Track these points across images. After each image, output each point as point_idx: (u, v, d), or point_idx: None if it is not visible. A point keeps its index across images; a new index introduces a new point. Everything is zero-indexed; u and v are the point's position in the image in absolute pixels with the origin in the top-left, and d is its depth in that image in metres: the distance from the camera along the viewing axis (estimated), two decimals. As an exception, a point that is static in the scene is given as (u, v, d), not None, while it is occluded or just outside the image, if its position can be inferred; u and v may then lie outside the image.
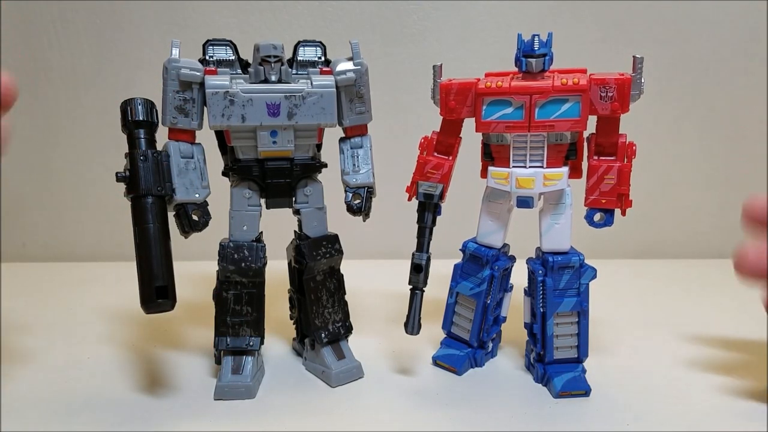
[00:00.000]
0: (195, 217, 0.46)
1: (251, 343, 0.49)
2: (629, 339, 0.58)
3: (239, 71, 0.47)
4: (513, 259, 0.53)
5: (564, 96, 0.44)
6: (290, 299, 0.54)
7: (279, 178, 0.48)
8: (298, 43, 0.48)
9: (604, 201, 0.46)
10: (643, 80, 0.44)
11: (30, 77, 0.82)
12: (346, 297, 0.53)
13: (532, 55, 0.45)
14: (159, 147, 0.46)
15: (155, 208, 0.43)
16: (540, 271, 0.48)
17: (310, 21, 0.81)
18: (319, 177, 0.50)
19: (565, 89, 0.44)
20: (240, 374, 0.48)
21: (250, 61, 0.47)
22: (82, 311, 0.66)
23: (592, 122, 0.46)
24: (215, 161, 0.50)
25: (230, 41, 0.47)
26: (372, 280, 0.70)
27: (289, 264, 0.53)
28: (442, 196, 0.49)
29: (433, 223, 0.49)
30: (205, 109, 0.45)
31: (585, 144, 0.48)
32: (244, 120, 0.45)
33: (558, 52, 0.46)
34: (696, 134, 0.85)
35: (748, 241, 0.33)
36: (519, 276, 0.53)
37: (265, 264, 0.49)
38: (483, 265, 0.50)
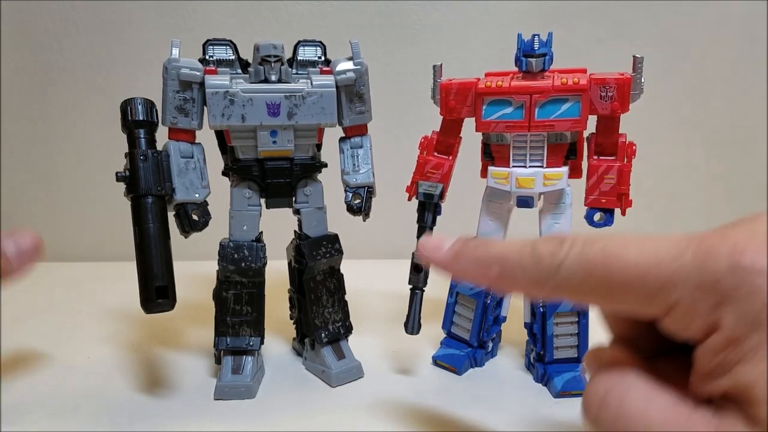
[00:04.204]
0: (195, 217, 0.46)
1: (251, 343, 0.49)
2: (629, 339, 0.58)
3: (239, 71, 0.47)
4: (513, 259, 0.53)
5: (564, 96, 0.44)
6: (290, 299, 0.54)
7: (279, 178, 0.48)
8: (298, 42, 0.48)
9: (604, 201, 0.46)
10: (643, 80, 0.44)
11: (30, 77, 0.82)
12: (346, 297, 0.53)
13: (532, 55, 0.45)
14: (159, 147, 0.46)
15: (155, 208, 0.43)
16: (540, 271, 0.48)
17: (310, 21, 0.81)
18: (319, 177, 0.50)
19: (565, 89, 0.44)
20: (240, 374, 0.48)
21: (250, 60, 0.47)
22: (82, 311, 0.66)
23: (592, 122, 0.46)
24: (215, 161, 0.50)
25: (230, 41, 0.47)
26: (372, 280, 0.70)
27: (289, 264, 0.53)
28: (442, 196, 0.49)
29: (433, 222, 0.49)
30: (205, 108, 0.45)
31: (585, 144, 0.48)
32: (244, 120, 0.45)
33: (558, 52, 0.46)
34: (696, 134, 0.85)
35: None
36: (519, 276, 0.53)
37: (265, 264, 0.49)
38: (483, 265, 0.50)
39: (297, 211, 0.50)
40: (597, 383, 0.26)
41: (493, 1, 0.80)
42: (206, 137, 0.48)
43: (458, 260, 0.30)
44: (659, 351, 0.28)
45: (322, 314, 0.51)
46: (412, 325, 0.49)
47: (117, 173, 0.43)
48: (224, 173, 0.50)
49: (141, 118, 0.45)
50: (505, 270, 0.28)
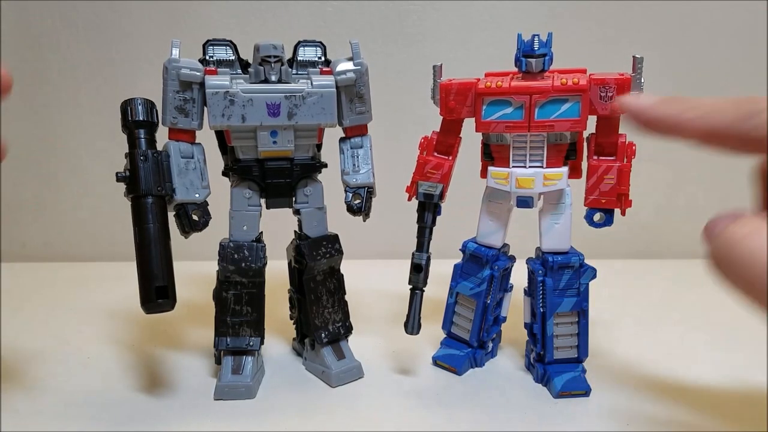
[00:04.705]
0: (195, 217, 0.46)
1: (251, 343, 0.49)
2: (629, 339, 0.58)
3: (239, 71, 0.47)
4: (513, 259, 0.53)
5: (564, 96, 0.44)
6: (290, 299, 0.54)
7: (279, 178, 0.48)
8: (298, 43, 0.48)
9: (603, 201, 0.46)
10: (642, 80, 0.44)
11: (30, 77, 0.82)
12: (346, 297, 0.53)
13: (532, 55, 0.45)
14: (159, 147, 0.46)
15: (155, 208, 0.43)
16: (540, 271, 0.48)
17: (310, 21, 0.81)
18: (319, 177, 0.50)
19: (564, 89, 0.44)
20: (240, 374, 0.48)
21: (250, 61, 0.47)
22: (82, 311, 0.66)
23: (591, 122, 0.46)
24: (215, 161, 0.50)
25: (230, 41, 0.47)
26: (372, 280, 0.70)
27: (289, 264, 0.53)
28: (442, 196, 0.49)
29: (433, 222, 0.49)
30: (206, 109, 0.45)
31: (585, 144, 0.48)
32: (244, 120, 0.45)
33: (558, 52, 0.46)
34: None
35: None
36: (519, 276, 0.53)
37: (265, 264, 0.49)
38: (483, 265, 0.50)
39: (297, 211, 0.50)
40: (739, 223, 0.28)
41: (493, 1, 0.80)
42: (206, 137, 0.48)
43: (662, 103, 0.32)
44: None
45: (322, 314, 0.51)
46: (412, 325, 0.49)
47: (117, 173, 0.43)
48: (224, 173, 0.50)
49: (141, 119, 0.45)
50: (706, 111, 0.31)
